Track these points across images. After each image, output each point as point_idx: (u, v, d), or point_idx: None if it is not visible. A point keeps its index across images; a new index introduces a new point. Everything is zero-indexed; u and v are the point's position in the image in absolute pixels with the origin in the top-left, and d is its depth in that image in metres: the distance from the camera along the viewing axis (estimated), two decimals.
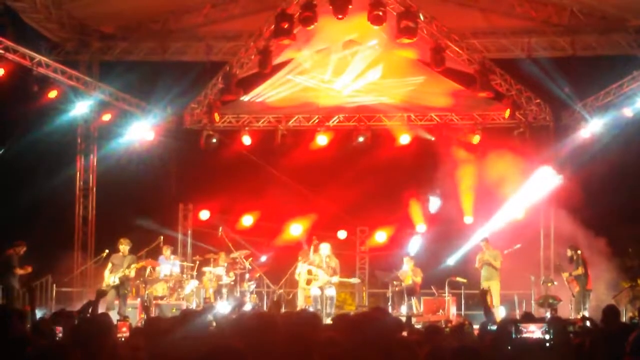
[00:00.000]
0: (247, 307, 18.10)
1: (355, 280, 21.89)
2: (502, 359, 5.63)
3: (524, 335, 7.49)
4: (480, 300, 13.08)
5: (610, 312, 10.60)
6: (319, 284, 19.66)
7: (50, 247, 21.41)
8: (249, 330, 5.22)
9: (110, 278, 18.92)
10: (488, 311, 12.91)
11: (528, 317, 8.36)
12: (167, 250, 20.74)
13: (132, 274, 19.07)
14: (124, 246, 19.19)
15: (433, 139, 23.40)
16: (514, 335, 7.77)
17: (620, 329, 9.44)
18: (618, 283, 20.46)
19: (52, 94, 20.35)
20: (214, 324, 8.57)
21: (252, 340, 4.94)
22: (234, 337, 4.84)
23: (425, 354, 5.92)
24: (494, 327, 9.70)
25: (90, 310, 10.68)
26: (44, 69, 20.06)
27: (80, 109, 21.95)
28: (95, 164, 23.93)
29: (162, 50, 23.81)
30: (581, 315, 17.57)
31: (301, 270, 20.08)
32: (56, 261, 21.54)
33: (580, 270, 19.20)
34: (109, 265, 19.16)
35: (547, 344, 7.15)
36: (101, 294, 12.99)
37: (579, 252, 19.46)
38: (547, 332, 7.42)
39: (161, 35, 23.61)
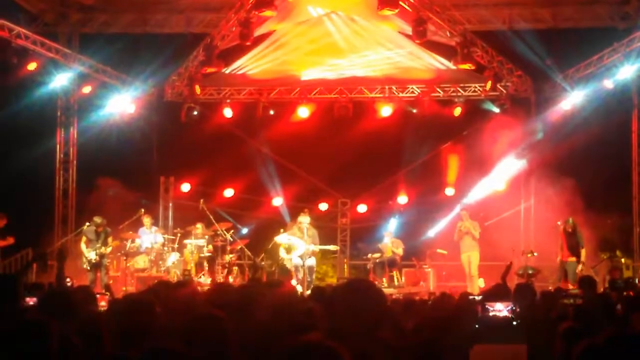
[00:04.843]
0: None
1: (333, 248, 21.65)
2: (468, 338, 5.61)
3: (490, 314, 7.45)
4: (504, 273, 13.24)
5: (586, 283, 10.72)
6: (299, 252, 19.65)
7: (30, 220, 21.29)
8: (231, 302, 5.25)
9: (88, 253, 18.93)
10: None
11: (495, 293, 8.28)
12: (147, 220, 20.63)
13: (108, 251, 19.16)
14: (98, 223, 19.14)
15: (414, 111, 23.40)
16: (480, 314, 7.74)
17: (595, 299, 9.55)
18: (597, 254, 20.60)
19: (32, 66, 20.21)
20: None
21: (234, 312, 4.96)
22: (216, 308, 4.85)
23: (412, 327, 5.91)
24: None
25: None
26: (22, 41, 19.86)
27: (60, 81, 21.81)
28: (75, 136, 23.75)
29: (142, 23, 23.61)
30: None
31: (281, 240, 20.04)
32: (36, 234, 21.44)
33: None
34: (84, 238, 19.18)
35: (514, 322, 7.12)
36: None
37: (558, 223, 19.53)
38: (513, 310, 7.35)
39: (141, 7, 23.39)
